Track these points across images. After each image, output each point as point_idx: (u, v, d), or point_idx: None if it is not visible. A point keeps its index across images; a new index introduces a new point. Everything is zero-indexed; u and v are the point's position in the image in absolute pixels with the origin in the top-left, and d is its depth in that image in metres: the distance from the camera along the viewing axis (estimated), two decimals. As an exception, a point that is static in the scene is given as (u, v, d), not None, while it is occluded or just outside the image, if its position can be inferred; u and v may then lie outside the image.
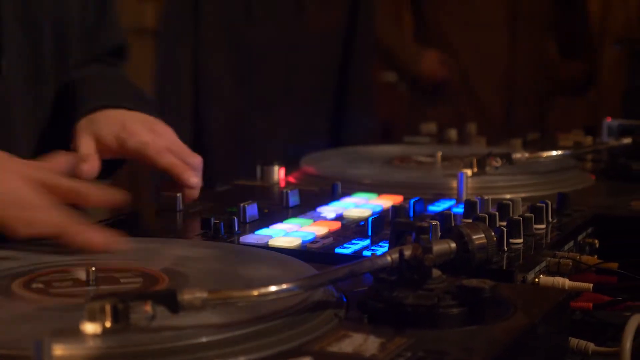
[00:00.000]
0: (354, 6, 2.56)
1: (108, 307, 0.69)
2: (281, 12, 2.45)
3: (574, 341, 0.87)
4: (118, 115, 1.25)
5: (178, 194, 1.18)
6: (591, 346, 0.86)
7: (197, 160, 1.20)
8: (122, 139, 1.21)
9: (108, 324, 0.68)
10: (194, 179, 1.18)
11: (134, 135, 1.21)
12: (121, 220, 1.12)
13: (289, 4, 2.47)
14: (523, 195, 1.24)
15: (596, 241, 1.13)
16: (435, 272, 0.80)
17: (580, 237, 1.11)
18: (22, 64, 1.27)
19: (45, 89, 1.31)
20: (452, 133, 1.78)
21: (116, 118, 1.24)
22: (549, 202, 1.10)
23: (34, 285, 0.82)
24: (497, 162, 1.33)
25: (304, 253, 0.99)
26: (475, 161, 1.32)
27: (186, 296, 0.70)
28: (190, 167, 1.19)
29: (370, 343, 0.72)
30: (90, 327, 0.68)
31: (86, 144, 1.21)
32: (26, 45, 1.27)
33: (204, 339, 0.70)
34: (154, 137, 1.21)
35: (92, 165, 1.17)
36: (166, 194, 1.18)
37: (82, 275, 0.83)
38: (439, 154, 1.46)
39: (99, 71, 1.40)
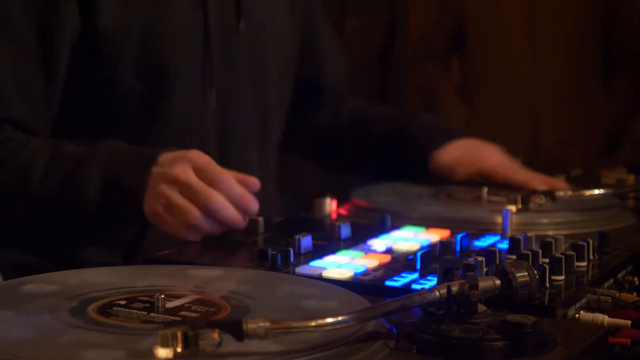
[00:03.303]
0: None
1: (179, 334, 0.74)
2: None
3: (611, 375, 0.91)
4: (467, 142, 1.67)
5: (259, 218, 1.26)
6: (628, 380, 0.90)
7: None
8: (480, 157, 1.63)
9: (179, 349, 0.74)
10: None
11: (488, 156, 1.63)
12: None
13: None
14: (565, 232, 1.27)
15: (635, 279, 1.16)
16: (481, 307, 0.84)
17: (620, 275, 1.15)
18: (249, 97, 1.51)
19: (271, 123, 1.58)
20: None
21: (467, 143, 1.66)
22: (590, 241, 1.14)
23: (109, 310, 0.88)
24: (541, 200, 1.36)
25: (356, 284, 1.04)
26: (519, 198, 1.36)
27: (251, 325, 0.75)
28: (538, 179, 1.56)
29: (419, 373, 0.77)
30: (162, 352, 0.74)
31: (448, 160, 1.64)
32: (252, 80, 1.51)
33: (264, 365, 0.75)
34: (506, 158, 1.64)
35: None
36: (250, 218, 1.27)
37: (151, 301, 0.89)
38: (485, 189, 1.50)
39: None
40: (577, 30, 2.69)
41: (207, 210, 1.22)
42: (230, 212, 1.23)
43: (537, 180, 1.56)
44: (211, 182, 1.23)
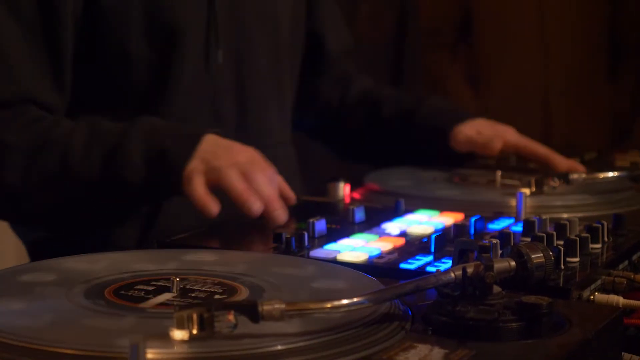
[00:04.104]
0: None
1: (195, 316, 0.74)
2: None
3: (627, 356, 0.91)
4: (483, 121, 1.68)
5: None
6: (643, 361, 0.90)
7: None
8: (500, 135, 1.63)
9: (195, 331, 0.74)
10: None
11: (509, 133, 1.65)
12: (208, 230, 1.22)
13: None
14: (580, 215, 1.27)
15: (651, 261, 1.16)
16: (496, 289, 0.85)
17: (634, 257, 1.15)
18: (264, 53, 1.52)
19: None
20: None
21: (484, 122, 1.68)
22: (605, 223, 1.14)
23: (125, 293, 0.88)
24: (555, 183, 1.37)
25: (371, 267, 1.04)
26: (533, 181, 1.37)
27: (266, 307, 0.76)
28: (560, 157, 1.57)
29: (434, 354, 0.77)
30: (178, 334, 0.74)
31: (475, 134, 1.65)
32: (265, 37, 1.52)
33: (279, 347, 0.75)
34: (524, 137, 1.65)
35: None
36: None
37: (168, 284, 0.89)
38: (499, 172, 1.50)
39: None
40: (586, 17, 2.70)
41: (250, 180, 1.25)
42: (269, 190, 1.25)
43: (559, 157, 1.58)
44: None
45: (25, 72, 1.33)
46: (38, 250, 1.47)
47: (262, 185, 1.25)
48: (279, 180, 1.29)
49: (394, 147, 1.72)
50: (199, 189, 1.23)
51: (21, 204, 1.31)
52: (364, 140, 1.76)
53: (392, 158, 1.69)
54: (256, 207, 1.22)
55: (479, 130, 1.65)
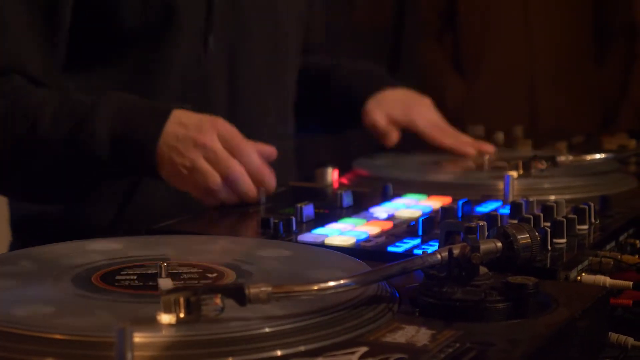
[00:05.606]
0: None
1: (182, 300, 0.74)
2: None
3: (614, 336, 0.90)
4: (399, 94, 1.65)
5: (261, 188, 1.28)
6: (630, 341, 0.90)
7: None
8: (412, 119, 1.60)
9: (182, 315, 0.74)
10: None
11: (421, 117, 1.60)
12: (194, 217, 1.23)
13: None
14: (567, 197, 1.27)
15: (637, 241, 1.16)
16: (482, 270, 0.85)
17: (621, 238, 1.15)
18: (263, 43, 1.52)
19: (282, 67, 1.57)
20: (499, 136, 1.82)
21: (399, 97, 1.64)
22: (592, 204, 1.14)
23: (112, 279, 0.88)
24: (542, 165, 1.37)
25: (358, 251, 1.04)
26: (521, 164, 1.37)
27: (253, 290, 0.76)
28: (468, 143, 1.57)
29: (421, 334, 0.77)
30: (165, 318, 0.74)
31: (381, 120, 1.60)
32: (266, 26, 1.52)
33: (267, 330, 0.75)
34: (436, 117, 1.62)
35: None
36: None
37: (155, 270, 0.89)
38: (487, 156, 1.50)
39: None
40: (571, 2, 2.70)
41: (227, 180, 1.26)
42: (247, 185, 1.26)
43: (467, 144, 1.58)
44: (233, 151, 1.27)
45: (17, 41, 1.34)
46: (20, 230, 1.49)
47: (250, 161, 1.27)
48: (252, 144, 1.29)
49: (320, 113, 1.72)
50: (189, 190, 1.28)
51: None
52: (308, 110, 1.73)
53: (323, 125, 1.72)
54: (253, 193, 1.27)
55: (388, 112, 1.63)
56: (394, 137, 1.62)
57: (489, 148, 1.57)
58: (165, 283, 0.75)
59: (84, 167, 1.29)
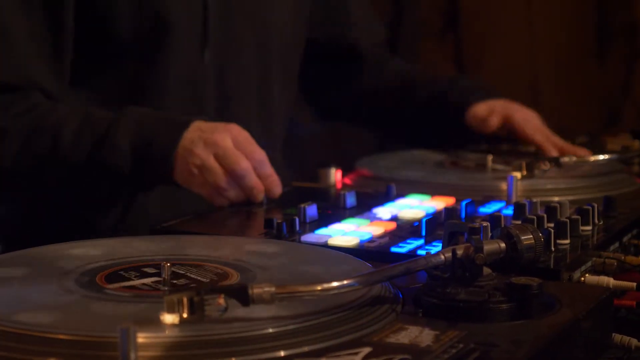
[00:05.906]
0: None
1: (185, 300, 0.74)
2: None
3: (617, 337, 0.90)
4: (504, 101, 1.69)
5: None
6: (634, 342, 0.90)
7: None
8: (511, 113, 1.64)
9: (185, 315, 0.74)
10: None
11: (520, 113, 1.65)
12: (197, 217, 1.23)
13: None
14: (570, 197, 1.27)
15: (641, 242, 1.17)
16: (486, 270, 0.85)
17: (625, 239, 1.15)
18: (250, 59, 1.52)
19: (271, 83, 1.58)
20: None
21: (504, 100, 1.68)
22: (595, 205, 1.14)
23: (116, 279, 0.88)
24: (546, 166, 1.37)
25: (362, 252, 1.04)
26: (524, 164, 1.37)
27: (256, 290, 0.76)
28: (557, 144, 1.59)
29: (425, 335, 0.77)
30: (169, 318, 0.74)
31: (482, 107, 1.66)
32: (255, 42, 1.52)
33: (270, 330, 0.75)
34: (536, 119, 1.66)
35: None
36: None
37: (158, 270, 0.89)
38: (490, 157, 1.50)
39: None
40: (574, 1, 2.70)
41: (233, 176, 1.26)
42: (253, 180, 1.27)
43: (554, 145, 1.59)
44: (246, 154, 1.27)
45: (30, 56, 1.35)
46: (20, 230, 1.50)
47: (261, 164, 1.28)
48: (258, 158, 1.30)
49: (427, 128, 1.75)
50: (199, 190, 1.29)
51: (9, 184, 1.36)
52: (399, 121, 1.78)
53: (426, 138, 1.72)
54: (260, 188, 1.28)
55: (490, 104, 1.67)
56: (493, 122, 1.64)
57: (581, 152, 1.55)
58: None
59: (104, 180, 1.32)
